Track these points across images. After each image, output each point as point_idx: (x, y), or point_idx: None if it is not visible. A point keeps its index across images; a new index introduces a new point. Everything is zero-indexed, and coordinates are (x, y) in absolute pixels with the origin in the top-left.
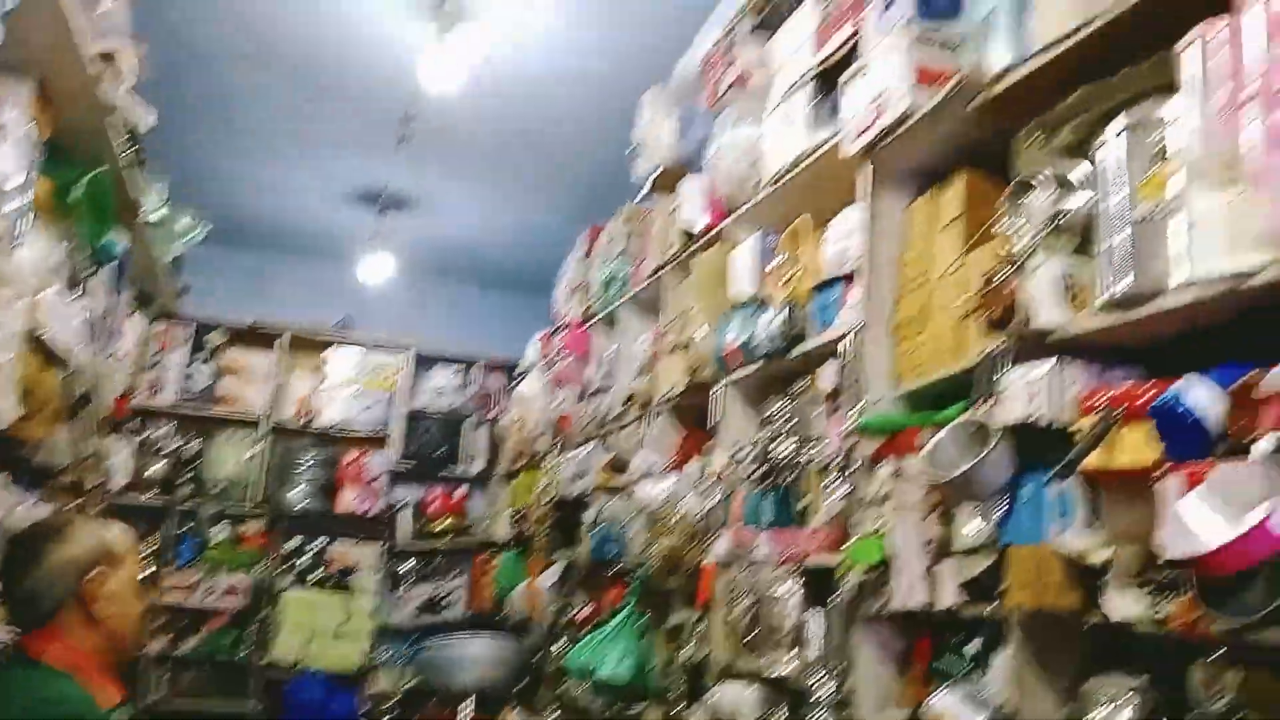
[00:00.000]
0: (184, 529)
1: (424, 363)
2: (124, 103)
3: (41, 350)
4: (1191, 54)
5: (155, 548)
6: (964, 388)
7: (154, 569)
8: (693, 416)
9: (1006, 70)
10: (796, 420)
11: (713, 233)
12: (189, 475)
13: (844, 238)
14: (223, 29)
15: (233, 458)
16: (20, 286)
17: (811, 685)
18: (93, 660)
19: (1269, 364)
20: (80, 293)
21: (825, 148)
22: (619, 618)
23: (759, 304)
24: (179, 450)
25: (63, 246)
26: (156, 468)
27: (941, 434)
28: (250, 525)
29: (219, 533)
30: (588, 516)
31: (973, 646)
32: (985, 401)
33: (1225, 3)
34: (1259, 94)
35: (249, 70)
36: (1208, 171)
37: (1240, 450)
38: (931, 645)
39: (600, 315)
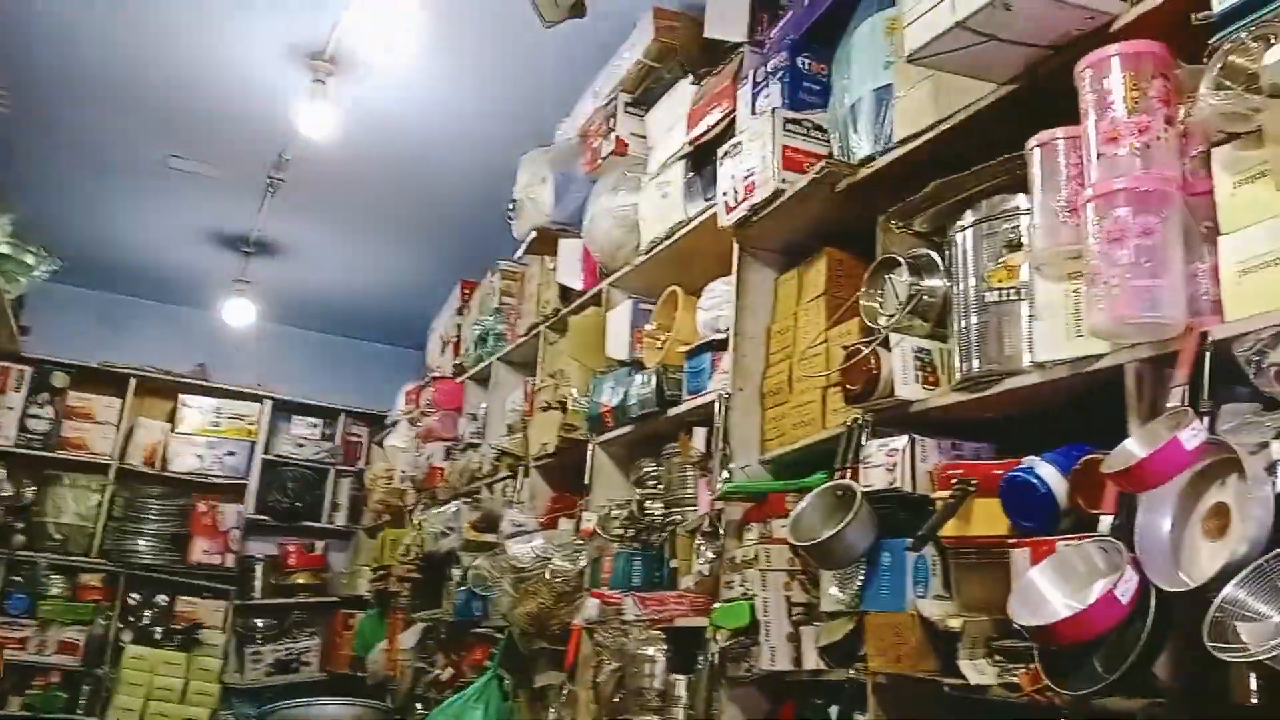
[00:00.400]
0: (15, 578)
1: (284, 411)
2: None
3: None
4: (1037, 155)
5: None
6: (828, 456)
7: None
8: (564, 475)
9: (869, 159)
10: (667, 482)
11: (588, 295)
12: (23, 522)
13: (715, 307)
14: (88, 64)
15: (74, 505)
16: None
17: None
18: None
19: (1110, 444)
20: None
21: (699, 220)
22: (482, 680)
23: (633, 367)
24: (14, 495)
25: None
26: None
27: (804, 501)
28: (89, 577)
29: (54, 584)
30: (454, 575)
31: (835, 710)
32: (846, 471)
33: (1071, 110)
34: (1097, 196)
35: (112, 106)
36: (1051, 264)
37: (1085, 525)
38: (796, 708)
39: (473, 370)
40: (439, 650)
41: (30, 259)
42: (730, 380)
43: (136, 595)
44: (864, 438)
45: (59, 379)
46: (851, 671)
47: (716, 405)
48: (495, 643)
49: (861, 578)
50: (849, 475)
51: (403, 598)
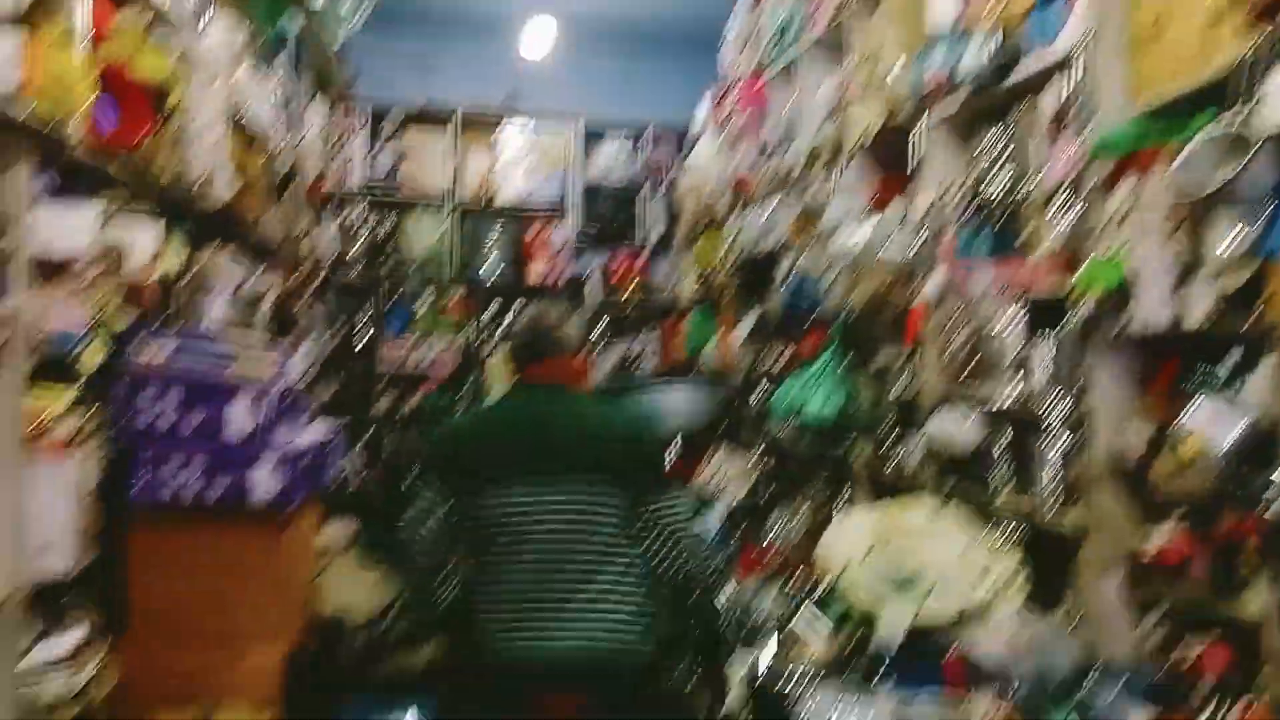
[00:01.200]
0: (391, 301)
1: (593, 135)
2: None
3: (241, 131)
4: None
5: (371, 317)
6: (1210, 99)
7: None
8: (889, 160)
9: None
10: (1014, 150)
11: None
12: (387, 253)
13: None
14: None
15: (424, 236)
16: (213, 68)
17: (1040, 411)
18: None
19: None
20: (268, 76)
21: None
22: (821, 361)
23: (963, 31)
24: (375, 230)
25: (244, 29)
26: (358, 246)
27: (1193, 144)
28: (451, 295)
29: (422, 304)
30: (780, 270)
31: (1228, 361)
32: (1242, 107)
33: None
34: None
35: None
36: None
37: None
38: (1177, 367)
39: (776, 66)
40: (771, 340)
41: (347, 7)
42: (1090, 23)
43: (493, 308)
44: (1269, 66)
45: (392, 121)
46: (1250, 320)
47: (1074, 56)
48: (829, 328)
49: (1262, 221)
50: (1246, 112)
51: (728, 297)
